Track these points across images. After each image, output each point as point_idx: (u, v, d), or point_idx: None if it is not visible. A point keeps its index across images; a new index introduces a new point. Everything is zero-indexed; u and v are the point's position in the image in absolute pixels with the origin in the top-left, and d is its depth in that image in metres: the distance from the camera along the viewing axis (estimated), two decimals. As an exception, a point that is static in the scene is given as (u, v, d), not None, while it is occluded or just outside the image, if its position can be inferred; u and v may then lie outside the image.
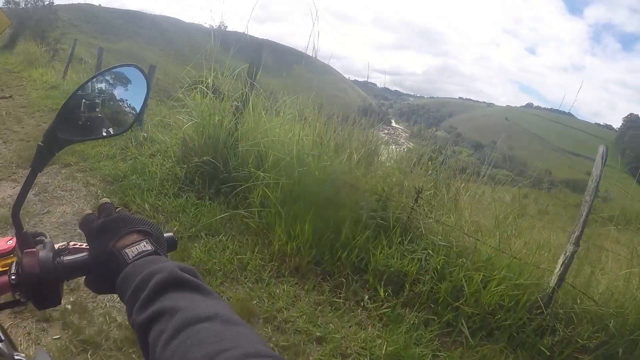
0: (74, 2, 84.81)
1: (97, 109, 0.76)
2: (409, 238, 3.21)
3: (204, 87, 4.18)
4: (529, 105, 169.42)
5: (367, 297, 2.89)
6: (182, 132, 4.24)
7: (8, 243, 0.65)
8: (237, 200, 3.65)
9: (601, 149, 2.86)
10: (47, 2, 26.52)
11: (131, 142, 5.40)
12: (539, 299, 2.74)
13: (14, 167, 4.56)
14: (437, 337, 2.63)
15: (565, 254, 2.78)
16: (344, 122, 4.11)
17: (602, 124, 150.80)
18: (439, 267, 2.96)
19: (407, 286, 2.92)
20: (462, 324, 2.67)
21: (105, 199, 0.68)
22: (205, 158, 3.81)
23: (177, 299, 0.48)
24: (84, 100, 0.74)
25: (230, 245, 3.17)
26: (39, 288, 0.60)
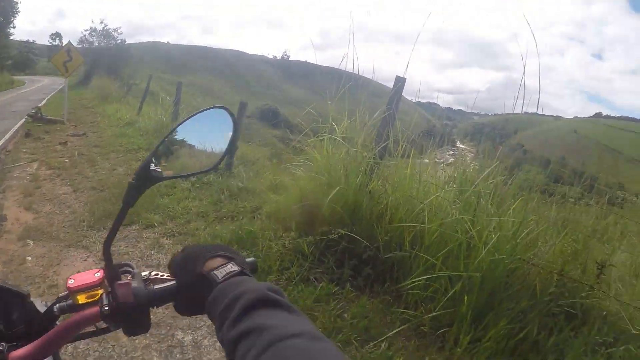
0: (144, 41, 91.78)
1: (186, 148, 0.80)
2: (596, 327, 2.53)
3: (335, 136, 3.46)
4: (598, 115, 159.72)
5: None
6: (302, 192, 3.50)
7: (96, 275, 0.67)
8: (384, 289, 2.93)
9: None
10: (120, 41, 28.13)
11: (223, 194, 4.82)
12: None
13: (85, 229, 3.96)
14: None
15: None
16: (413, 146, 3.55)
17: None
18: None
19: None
20: None
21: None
22: (342, 231, 3.06)
23: (266, 317, 0.49)
24: (175, 139, 0.78)
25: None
26: (132, 316, 0.63)
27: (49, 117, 10.33)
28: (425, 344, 2.56)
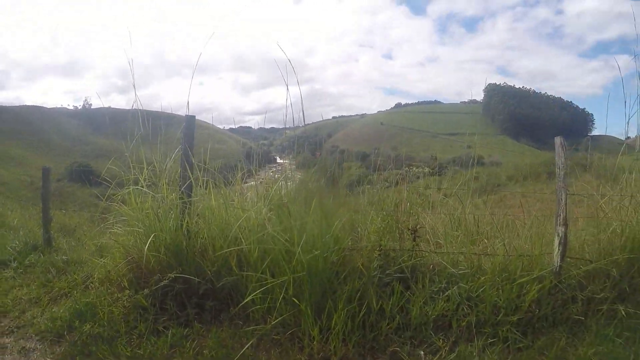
0: None
1: None
2: (427, 280, 3.04)
3: (139, 186, 3.45)
4: (398, 105, 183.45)
5: (422, 352, 2.68)
6: (124, 249, 3.40)
7: None
8: (230, 315, 3.00)
9: (558, 140, 3.12)
10: None
11: (50, 272, 4.35)
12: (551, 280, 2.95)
13: None
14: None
15: (559, 235, 3.04)
16: (231, 172, 3.84)
17: (467, 100, 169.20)
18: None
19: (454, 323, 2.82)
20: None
21: None
22: (172, 275, 3.02)
23: None
24: None
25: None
26: None
27: None
28: (286, 349, 2.72)
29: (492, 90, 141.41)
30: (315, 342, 2.70)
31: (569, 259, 3.09)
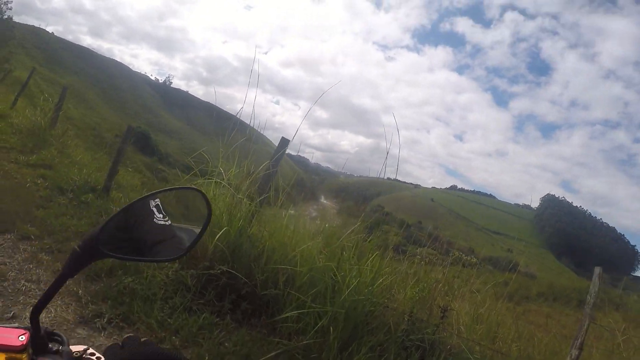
0: (29, 24, 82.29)
1: (148, 229, 0.69)
2: (442, 357, 3.14)
3: (222, 180, 3.72)
4: (454, 187, 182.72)
5: None
6: None
7: (20, 339, 0.59)
8: (260, 322, 3.21)
9: (597, 270, 3.31)
10: (6, 17, 25.28)
11: (102, 217, 4.61)
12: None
13: None
14: None
15: (572, 356, 3.20)
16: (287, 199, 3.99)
17: (521, 204, 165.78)
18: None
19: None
20: None
21: (130, 334, 0.67)
22: (224, 268, 3.28)
23: None
24: (135, 217, 0.69)
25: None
26: None
27: None
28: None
29: (549, 201, 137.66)
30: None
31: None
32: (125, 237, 0.68)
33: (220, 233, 3.36)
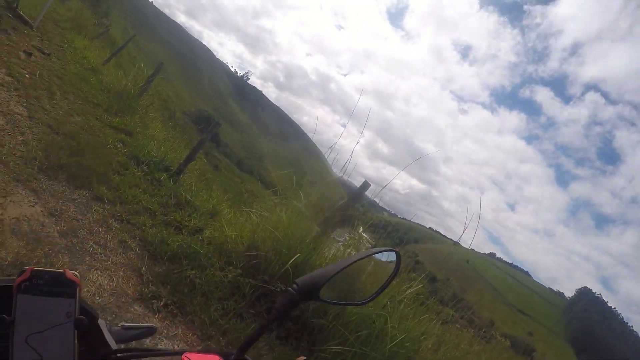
0: None
1: (356, 279, 0.85)
2: None
3: (301, 205, 3.89)
4: (492, 255, 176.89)
5: None
6: (256, 239, 3.75)
7: None
8: (301, 346, 3.25)
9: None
10: None
11: (171, 199, 4.74)
12: None
13: (36, 170, 3.64)
14: None
15: None
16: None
17: (555, 289, 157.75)
18: None
19: None
20: None
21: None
22: (282, 286, 3.37)
23: None
24: (348, 270, 0.73)
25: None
26: None
27: (22, 14, 9.32)
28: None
29: (584, 294, 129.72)
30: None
31: None
32: (340, 287, 0.76)
33: (296, 257, 3.47)
